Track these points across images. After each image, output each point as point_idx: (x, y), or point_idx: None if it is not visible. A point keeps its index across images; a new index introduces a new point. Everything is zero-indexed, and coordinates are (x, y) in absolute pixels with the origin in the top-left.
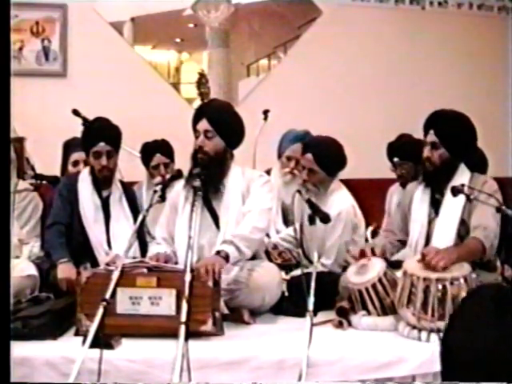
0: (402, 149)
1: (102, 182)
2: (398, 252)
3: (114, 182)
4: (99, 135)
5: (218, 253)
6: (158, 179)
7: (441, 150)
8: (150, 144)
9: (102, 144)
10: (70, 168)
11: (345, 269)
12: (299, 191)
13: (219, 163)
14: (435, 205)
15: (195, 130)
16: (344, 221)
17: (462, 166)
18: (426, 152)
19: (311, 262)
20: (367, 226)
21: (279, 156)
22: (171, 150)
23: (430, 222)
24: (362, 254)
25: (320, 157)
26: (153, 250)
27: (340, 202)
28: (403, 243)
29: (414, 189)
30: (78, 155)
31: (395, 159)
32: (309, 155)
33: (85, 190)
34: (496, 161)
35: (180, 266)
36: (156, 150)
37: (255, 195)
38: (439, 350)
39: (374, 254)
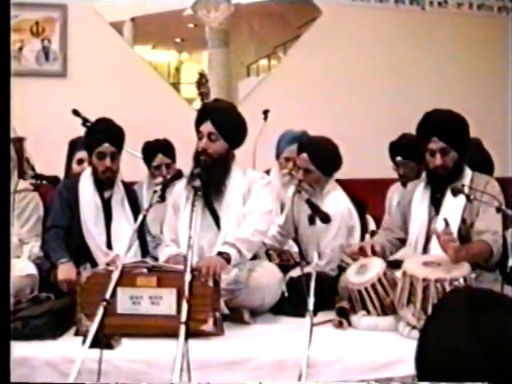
0: (405, 148)
1: (104, 183)
2: (398, 251)
3: (116, 182)
4: (104, 136)
5: (219, 254)
6: (160, 179)
7: (451, 153)
8: (152, 143)
9: (106, 145)
10: (75, 166)
11: (344, 269)
12: (299, 191)
13: (222, 165)
14: (435, 203)
15: (198, 131)
16: (338, 222)
17: (465, 166)
18: (438, 160)
19: (309, 263)
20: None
21: (277, 157)
22: (173, 150)
23: (431, 221)
24: (362, 251)
25: (315, 156)
26: (165, 252)
27: (335, 203)
28: (402, 241)
29: (414, 187)
30: (83, 153)
31: (398, 158)
32: (304, 155)
33: (86, 191)
34: (496, 161)
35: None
36: (158, 150)
37: (256, 197)
38: (415, 352)
39: (373, 251)
